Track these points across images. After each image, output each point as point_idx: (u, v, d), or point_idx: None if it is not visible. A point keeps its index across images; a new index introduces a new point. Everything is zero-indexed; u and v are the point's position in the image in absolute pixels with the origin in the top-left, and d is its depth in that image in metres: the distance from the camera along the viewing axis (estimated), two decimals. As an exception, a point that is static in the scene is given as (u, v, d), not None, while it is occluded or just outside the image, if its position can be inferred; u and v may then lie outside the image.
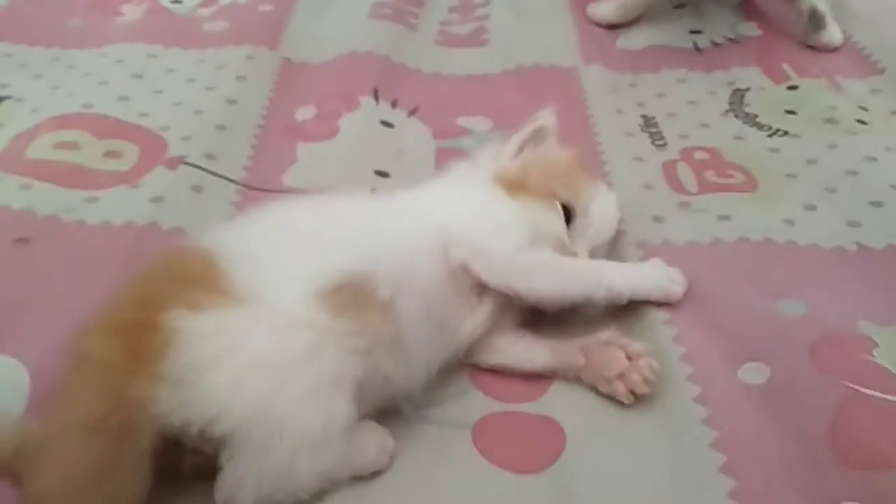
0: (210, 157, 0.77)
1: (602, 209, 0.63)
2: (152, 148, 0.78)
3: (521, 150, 0.64)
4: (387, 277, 0.50)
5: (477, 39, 1.03)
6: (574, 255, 0.60)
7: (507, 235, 0.57)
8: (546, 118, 0.65)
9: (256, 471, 0.44)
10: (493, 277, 0.56)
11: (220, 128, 0.82)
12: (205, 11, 1.06)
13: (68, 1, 1.08)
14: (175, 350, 0.43)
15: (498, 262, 0.56)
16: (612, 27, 1.05)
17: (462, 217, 0.58)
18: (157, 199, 0.71)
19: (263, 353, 0.45)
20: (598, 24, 1.06)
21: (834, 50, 0.98)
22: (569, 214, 0.60)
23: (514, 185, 0.60)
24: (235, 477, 0.44)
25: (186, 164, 0.76)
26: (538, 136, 0.64)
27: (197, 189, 0.74)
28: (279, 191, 0.75)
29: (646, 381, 0.52)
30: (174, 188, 0.73)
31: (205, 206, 0.72)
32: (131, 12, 1.07)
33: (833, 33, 0.98)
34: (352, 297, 0.48)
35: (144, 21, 1.04)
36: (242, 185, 0.75)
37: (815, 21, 0.98)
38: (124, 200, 0.71)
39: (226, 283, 0.46)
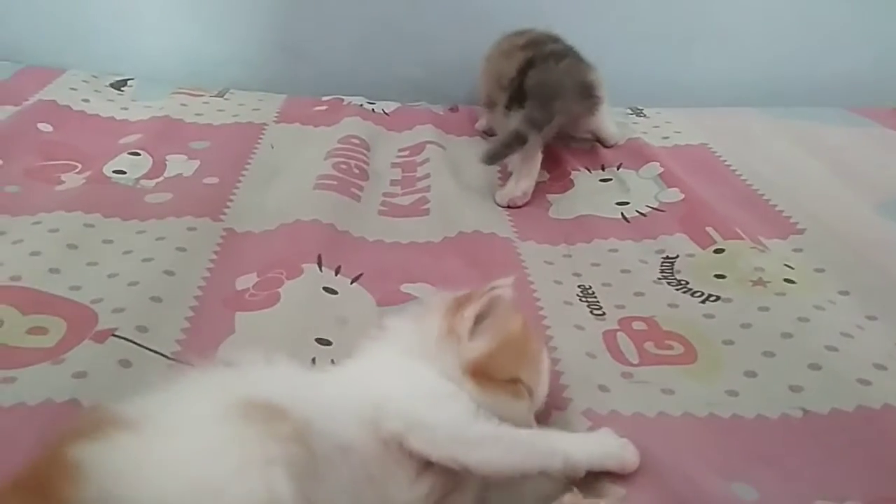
0: (142, 329, 0.74)
1: (544, 380, 0.63)
2: (81, 321, 0.75)
3: (475, 322, 0.60)
4: (299, 416, 0.48)
5: (419, 209, 1.07)
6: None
7: (452, 406, 0.55)
8: (503, 288, 0.62)
9: None
10: (436, 450, 0.52)
11: (156, 299, 0.79)
12: (149, 183, 1.07)
13: (8, 167, 1.07)
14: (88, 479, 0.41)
15: (442, 432, 0.53)
16: (525, 204, 1.10)
17: (398, 393, 0.56)
18: (80, 375, 0.66)
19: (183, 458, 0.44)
20: (512, 206, 1.09)
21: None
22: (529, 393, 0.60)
23: (480, 373, 0.58)
24: None
25: (116, 336, 0.72)
26: (494, 307, 0.61)
27: (125, 363, 0.69)
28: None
29: None
30: (100, 363, 0.69)
31: (132, 382, 0.67)
32: (72, 180, 1.06)
33: None
34: (261, 411, 0.47)
35: (85, 190, 1.02)
36: (173, 358, 0.72)
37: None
38: (44, 378, 0.66)
39: (125, 421, 0.46)
